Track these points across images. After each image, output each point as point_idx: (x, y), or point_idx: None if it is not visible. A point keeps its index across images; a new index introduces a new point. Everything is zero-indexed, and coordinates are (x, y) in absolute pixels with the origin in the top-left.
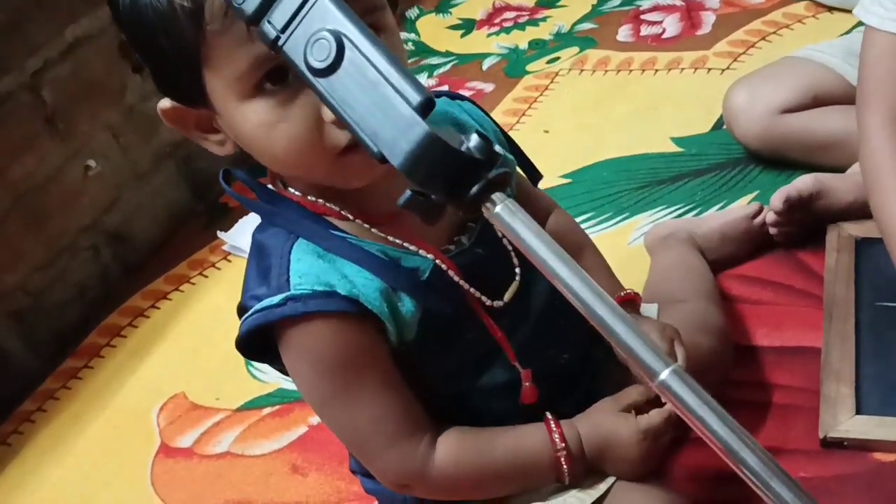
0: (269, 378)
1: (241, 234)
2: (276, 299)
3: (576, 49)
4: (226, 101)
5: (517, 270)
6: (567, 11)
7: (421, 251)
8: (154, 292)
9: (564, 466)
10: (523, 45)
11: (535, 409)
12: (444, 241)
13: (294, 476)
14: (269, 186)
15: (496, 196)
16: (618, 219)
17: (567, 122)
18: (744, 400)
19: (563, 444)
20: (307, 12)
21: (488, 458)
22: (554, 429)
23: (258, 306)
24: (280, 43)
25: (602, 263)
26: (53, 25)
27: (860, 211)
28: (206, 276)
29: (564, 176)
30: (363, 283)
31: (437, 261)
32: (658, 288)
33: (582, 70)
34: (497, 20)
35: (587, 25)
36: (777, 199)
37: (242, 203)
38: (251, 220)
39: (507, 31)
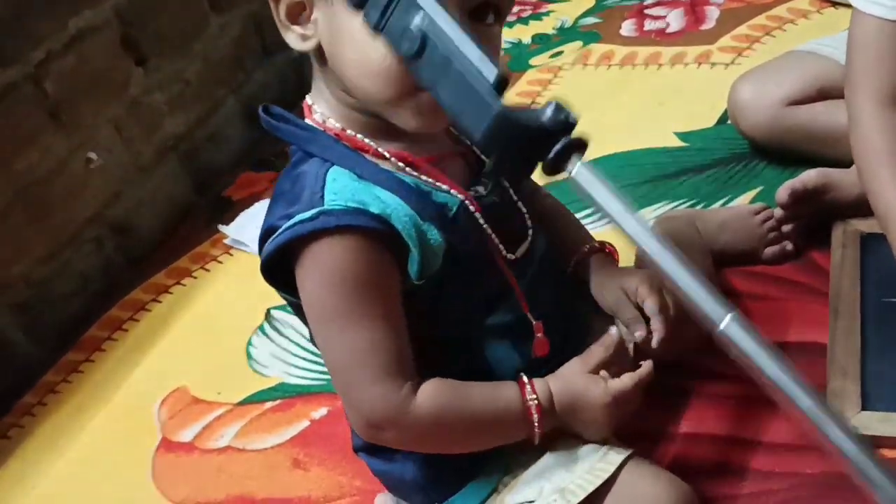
0: (270, 372)
1: (243, 227)
2: (308, 214)
3: (579, 43)
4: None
5: (530, 227)
6: (571, 6)
7: (452, 190)
8: (155, 286)
9: (535, 417)
10: (527, 40)
11: (538, 365)
12: (463, 187)
13: (296, 471)
14: (308, 121)
15: (572, 159)
16: None
17: None
18: (749, 395)
19: (535, 397)
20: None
21: (464, 406)
22: (526, 382)
23: (289, 222)
24: (381, 27)
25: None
26: (57, 17)
27: (867, 205)
28: (207, 270)
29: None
30: (395, 207)
31: (466, 201)
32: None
33: (586, 64)
34: None
35: (591, 20)
36: (783, 192)
37: (283, 134)
38: (253, 214)
39: (511, 25)
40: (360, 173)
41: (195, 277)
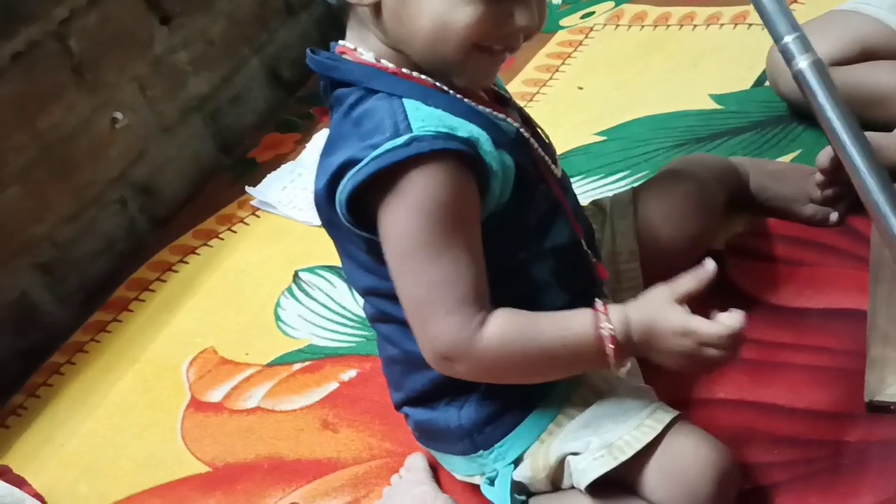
0: (299, 334)
1: (270, 189)
2: (399, 141)
3: (611, 3)
4: None
5: (557, 155)
6: None
7: (508, 118)
8: (182, 247)
9: (609, 348)
10: (557, 0)
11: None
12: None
13: (325, 432)
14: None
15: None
16: None
17: (602, 79)
18: (787, 362)
19: (610, 326)
20: None
21: (534, 335)
22: (601, 309)
23: (378, 151)
24: None
25: None
26: None
27: None
28: (234, 232)
29: (599, 133)
30: (478, 132)
31: (521, 128)
32: (669, 166)
33: (618, 25)
34: None
35: None
36: (824, 157)
37: (341, 73)
38: (279, 176)
39: None
40: (433, 103)
41: (222, 239)
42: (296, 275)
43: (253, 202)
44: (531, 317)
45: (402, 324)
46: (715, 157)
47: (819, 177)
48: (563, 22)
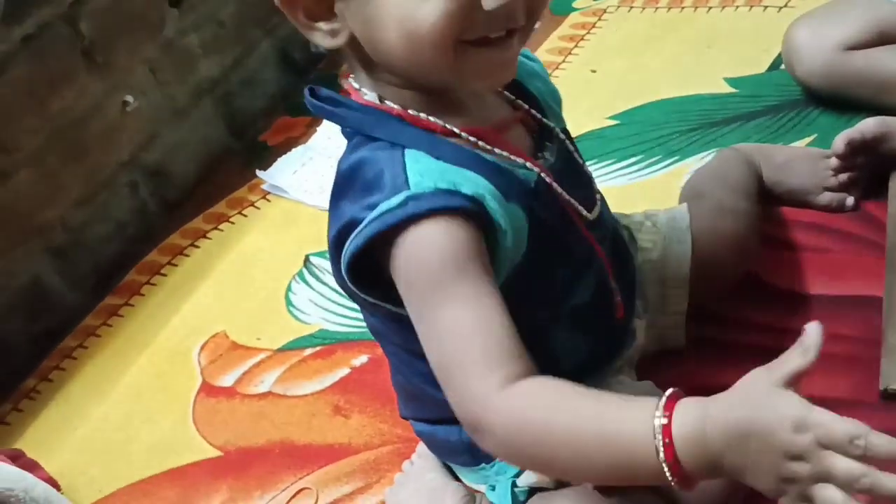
0: (310, 319)
1: (281, 173)
2: (396, 200)
3: None
4: None
5: (597, 190)
6: None
7: (527, 163)
8: (193, 231)
9: (661, 454)
10: None
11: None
12: (531, 156)
13: (336, 417)
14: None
15: None
16: (668, 161)
17: (615, 62)
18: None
19: (667, 420)
20: None
21: (565, 414)
22: (667, 396)
23: (375, 213)
24: None
25: None
26: None
27: None
28: (245, 216)
29: (612, 117)
30: (484, 188)
31: (542, 173)
32: (688, 186)
33: (631, 7)
34: None
35: None
36: (840, 141)
37: (339, 120)
38: (290, 160)
39: None
40: (437, 154)
41: (232, 223)
42: (307, 259)
43: (264, 186)
44: (573, 390)
45: (401, 348)
46: (735, 161)
47: (834, 162)
48: (575, 4)
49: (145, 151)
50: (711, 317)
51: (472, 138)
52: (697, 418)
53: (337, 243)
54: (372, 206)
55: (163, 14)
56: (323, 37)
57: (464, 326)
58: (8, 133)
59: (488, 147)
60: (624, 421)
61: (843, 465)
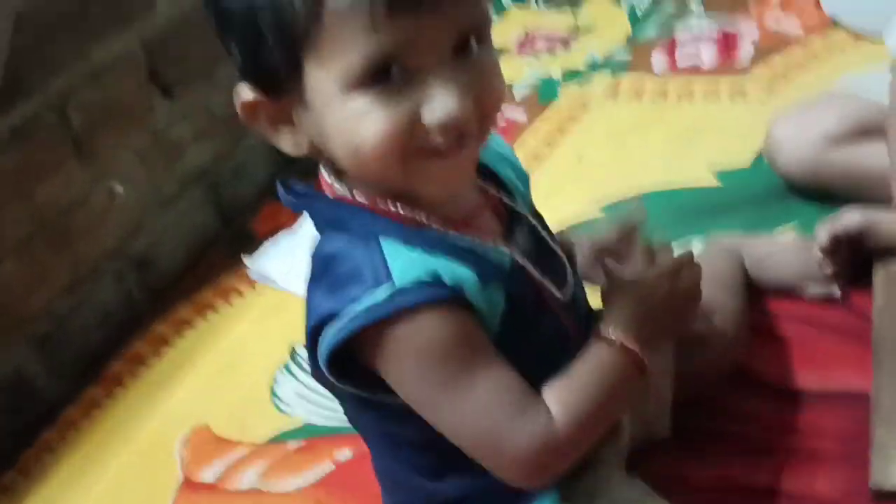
0: (295, 412)
1: (268, 261)
2: (381, 295)
3: (610, 77)
4: (325, 92)
5: (568, 268)
6: (601, 40)
7: (499, 246)
8: (178, 320)
9: (633, 345)
10: (556, 72)
11: None
12: (502, 240)
13: None
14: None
15: None
16: None
17: (602, 151)
18: (789, 447)
19: (611, 331)
20: None
21: (584, 387)
22: (598, 332)
23: (360, 307)
24: None
25: None
26: (81, 46)
27: None
28: (231, 305)
29: (599, 208)
30: (461, 273)
31: (514, 254)
32: None
33: (616, 98)
34: (530, 47)
35: (621, 54)
36: (823, 236)
37: (313, 214)
38: (277, 248)
39: (539, 57)
40: (412, 244)
41: (218, 312)
42: (292, 350)
43: (251, 275)
44: (568, 378)
45: (385, 437)
46: (720, 257)
47: (819, 256)
48: (562, 94)
49: (132, 240)
50: (698, 406)
51: (441, 228)
52: (612, 320)
53: (314, 335)
54: (353, 299)
55: (153, 103)
56: (286, 142)
57: (488, 388)
58: None
59: (457, 234)
60: (604, 356)
61: (686, 279)
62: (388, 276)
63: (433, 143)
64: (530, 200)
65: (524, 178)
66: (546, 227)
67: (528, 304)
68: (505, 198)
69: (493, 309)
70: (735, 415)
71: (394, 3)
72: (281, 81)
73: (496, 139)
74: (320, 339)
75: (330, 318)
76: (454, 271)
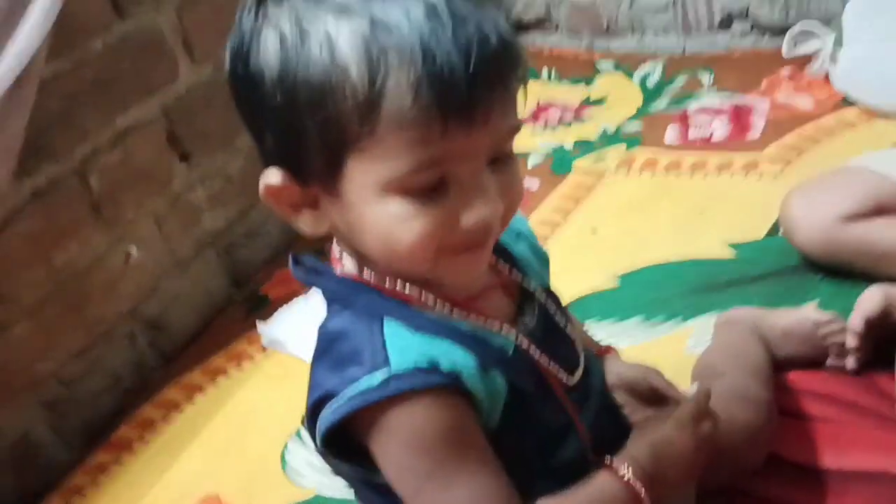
0: (306, 482)
1: (280, 326)
2: (376, 379)
3: (623, 148)
4: (365, 191)
5: (580, 353)
6: (613, 112)
7: (503, 331)
8: (189, 385)
9: (640, 487)
10: (569, 144)
11: None
12: (510, 321)
13: None
14: (341, 271)
15: None
16: (670, 322)
17: (615, 223)
18: None
19: (625, 468)
20: None
21: None
22: (609, 463)
23: (355, 389)
24: None
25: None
26: (104, 113)
27: None
28: (242, 370)
29: (613, 278)
30: (461, 360)
31: (519, 338)
32: (702, 363)
33: (629, 170)
34: (542, 118)
35: (634, 126)
36: (857, 319)
37: (321, 290)
38: (290, 313)
39: (553, 128)
40: (415, 325)
41: (230, 377)
42: (304, 418)
43: (262, 342)
44: (567, 497)
45: None
46: (747, 338)
47: (851, 341)
48: (575, 165)
49: (145, 303)
50: (719, 488)
51: (446, 309)
52: (631, 458)
53: (313, 412)
54: (351, 380)
55: (171, 168)
56: (306, 225)
57: (469, 489)
58: (9, 285)
59: (464, 316)
60: (607, 490)
61: (705, 425)
62: (386, 360)
63: (463, 242)
64: (546, 279)
65: (542, 257)
66: (560, 307)
67: (530, 389)
68: (517, 276)
69: (495, 395)
70: (759, 496)
71: (449, 121)
72: (314, 174)
73: (516, 217)
74: (319, 417)
75: (329, 397)
76: (453, 357)
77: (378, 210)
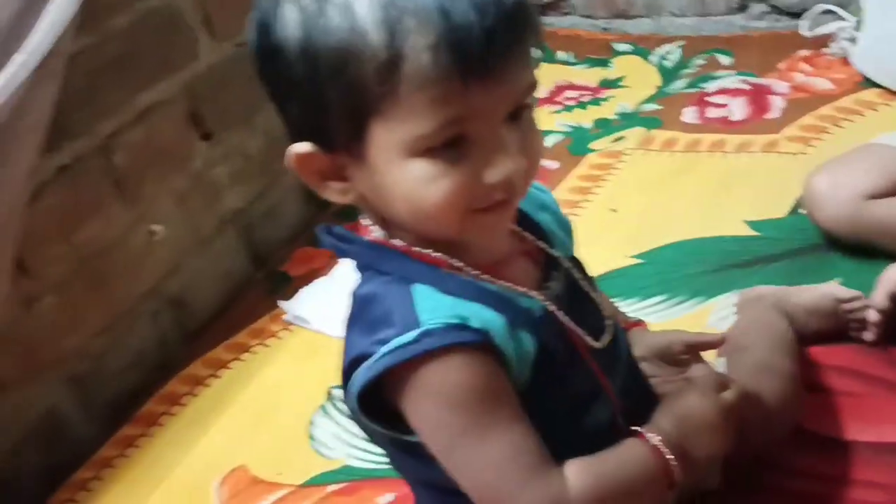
0: (334, 454)
1: (303, 304)
2: (409, 336)
3: (641, 129)
4: (389, 154)
5: (606, 318)
6: (630, 92)
7: (530, 293)
8: (214, 360)
9: (667, 454)
10: (587, 124)
11: None
12: (536, 287)
13: None
14: (370, 239)
15: None
16: (692, 301)
17: (635, 202)
18: (841, 497)
19: (654, 435)
20: None
21: (609, 473)
22: (641, 431)
23: (388, 347)
24: None
25: None
26: (127, 91)
27: None
28: (267, 346)
29: (634, 256)
30: (491, 319)
31: (546, 302)
32: (729, 340)
33: (648, 149)
34: (559, 98)
35: (652, 106)
36: (881, 296)
37: (351, 256)
38: (313, 291)
39: (570, 109)
40: (444, 288)
41: (254, 353)
42: (330, 392)
43: (285, 317)
44: (598, 460)
45: (423, 481)
46: (773, 314)
47: (873, 315)
48: (593, 145)
49: (168, 281)
50: (746, 460)
51: (474, 272)
52: (658, 429)
53: (347, 375)
54: (383, 342)
55: (192, 147)
56: (334, 194)
57: (502, 446)
58: (35, 260)
59: (490, 279)
60: (637, 455)
61: (727, 395)
62: (417, 320)
63: (489, 200)
64: (570, 247)
65: (565, 225)
66: (585, 274)
67: (559, 351)
68: (542, 244)
69: (524, 355)
70: (786, 467)
71: (468, 78)
72: (339, 141)
73: (539, 187)
74: (352, 378)
75: (362, 358)
76: (483, 316)
77: (403, 172)
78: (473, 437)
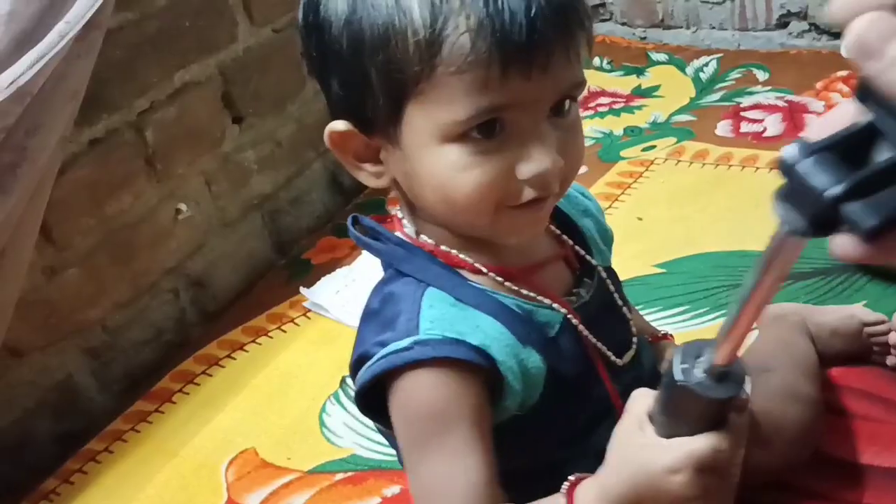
0: (343, 442)
1: (324, 292)
2: (402, 343)
3: (673, 139)
4: (423, 138)
5: (634, 336)
6: (664, 102)
7: (554, 304)
8: (231, 342)
9: None
10: (618, 131)
11: None
12: (564, 293)
13: None
14: (400, 235)
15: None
16: (714, 315)
17: (662, 211)
18: None
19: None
20: None
21: None
22: (565, 490)
23: (384, 351)
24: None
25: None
26: (164, 68)
27: None
28: (284, 331)
29: (658, 266)
30: (495, 336)
31: (569, 315)
32: (751, 359)
33: (679, 160)
34: (592, 104)
35: (685, 117)
36: None
37: (375, 252)
38: (334, 280)
39: (602, 115)
40: (458, 296)
41: (271, 337)
42: (343, 380)
43: (305, 303)
44: None
45: None
46: (797, 334)
47: (894, 338)
48: (623, 153)
49: (191, 260)
50: (765, 483)
51: (498, 278)
52: (597, 496)
53: (353, 372)
54: (383, 344)
55: (224, 129)
56: (368, 177)
57: (441, 485)
58: (63, 230)
59: (514, 287)
60: None
61: (714, 478)
62: (417, 328)
63: (521, 197)
64: (608, 257)
65: (607, 237)
66: (619, 288)
67: (573, 368)
68: (580, 250)
69: (530, 374)
70: (801, 490)
71: (508, 66)
72: (377, 121)
73: (584, 193)
74: (358, 374)
75: (365, 357)
76: (488, 331)
77: (436, 159)
78: (422, 452)
